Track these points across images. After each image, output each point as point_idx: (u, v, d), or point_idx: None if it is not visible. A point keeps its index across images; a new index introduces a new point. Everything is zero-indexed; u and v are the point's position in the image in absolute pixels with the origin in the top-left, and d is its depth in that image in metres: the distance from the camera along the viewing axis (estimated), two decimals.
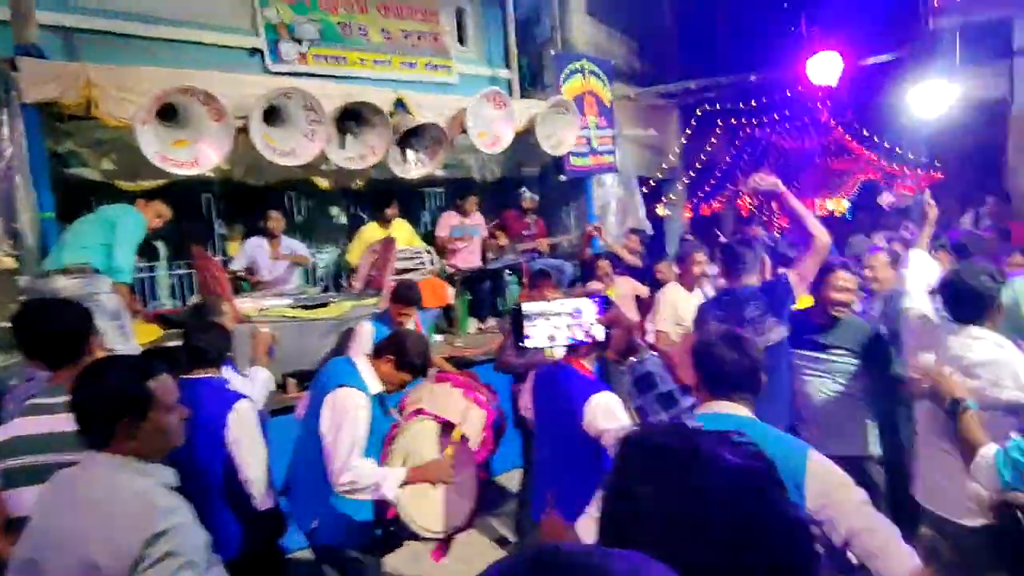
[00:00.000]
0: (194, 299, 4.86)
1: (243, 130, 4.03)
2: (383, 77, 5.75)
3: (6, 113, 3.46)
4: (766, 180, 2.93)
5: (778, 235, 7.10)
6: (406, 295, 3.79)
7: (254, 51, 5.10)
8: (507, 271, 6.07)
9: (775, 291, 2.87)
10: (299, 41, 5.39)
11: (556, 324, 1.73)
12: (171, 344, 3.39)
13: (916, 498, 2.44)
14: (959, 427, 2.05)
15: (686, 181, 9.33)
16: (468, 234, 5.87)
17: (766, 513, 0.74)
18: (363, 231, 5.41)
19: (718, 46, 10.49)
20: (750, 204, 10.12)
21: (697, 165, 9.20)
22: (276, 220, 5.02)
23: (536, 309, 1.73)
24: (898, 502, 2.56)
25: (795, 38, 8.60)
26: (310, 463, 2.50)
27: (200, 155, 3.87)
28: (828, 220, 10.09)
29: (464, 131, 5.10)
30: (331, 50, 5.60)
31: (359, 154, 4.68)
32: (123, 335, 3.11)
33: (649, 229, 7.16)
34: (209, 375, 2.56)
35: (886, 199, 8.92)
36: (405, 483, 2.41)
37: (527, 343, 1.66)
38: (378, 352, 2.55)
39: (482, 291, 5.89)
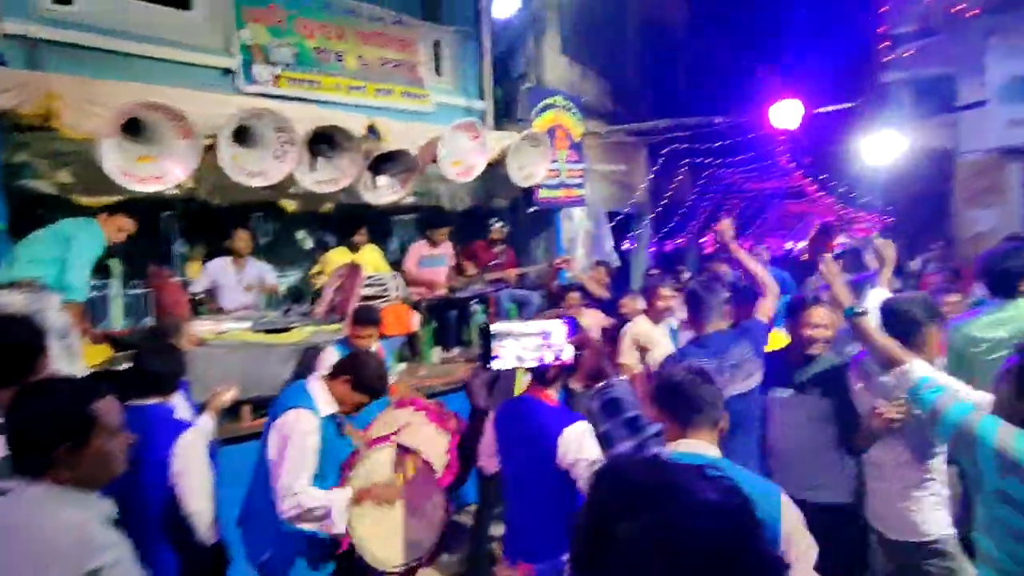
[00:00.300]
0: (149, 321, 4.69)
1: (211, 149, 3.96)
2: (357, 103, 5.76)
3: None
4: (723, 229, 3.21)
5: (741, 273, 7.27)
6: (364, 316, 3.74)
7: (227, 71, 5.06)
8: (474, 300, 6.05)
9: (752, 333, 2.86)
10: (274, 64, 5.37)
11: (525, 345, 1.69)
12: (120, 367, 3.25)
13: (869, 520, 2.54)
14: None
15: (652, 217, 9.53)
16: (435, 265, 5.84)
17: (745, 550, 0.73)
18: (330, 256, 5.33)
19: (686, 89, 10.89)
20: (715, 241, 10.37)
21: (663, 202, 9.42)
22: (243, 240, 4.89)
23: (505, 329, 1.69)
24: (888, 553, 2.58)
25: (757, 85, 8.98)
26: (262, 492, 2.41)
27: (165, 172, 3.78)
28: (784, 259, 10.41)
29: (436, 159, 5.12)
30: (306, 74, 5.59)
31: (329, 178, 4.64)
32: (69, 355, 2.96)
33: (616, 262, 7.25)
34: (157, 402, 2.44)
35: (839, 242, 9.26)
36: (354, 503, 2.34)
37: (495, 364, 1.62)
38: (334, 372, 2.49)
39: (448, 320, 5.84)
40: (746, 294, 3.50)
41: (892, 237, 3.91)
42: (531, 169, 5.88)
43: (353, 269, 4.61)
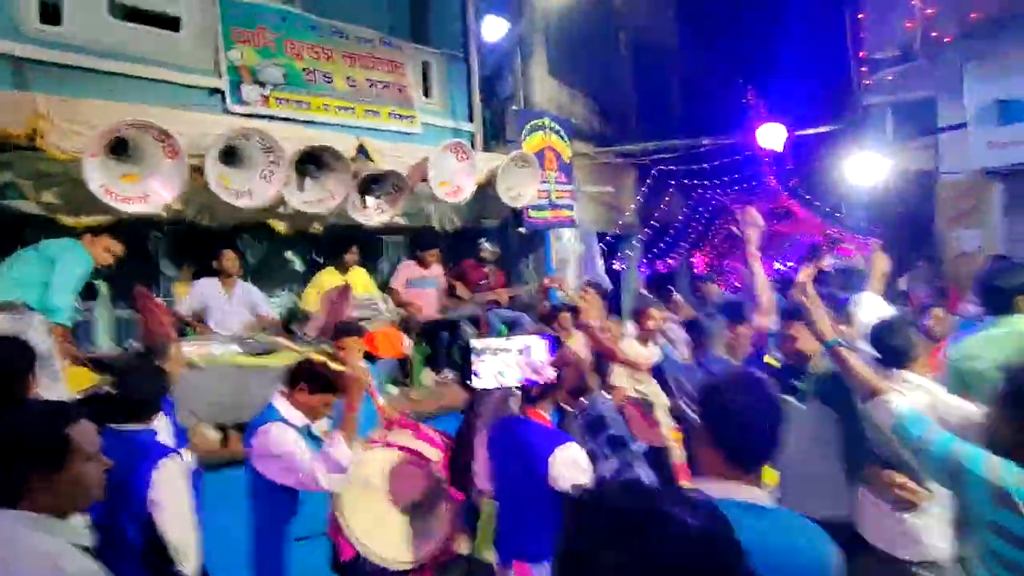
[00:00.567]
0: (135, 343, 4.60)
1: (198, 169, 3.92)
2: (346, 124, 5.77)
3: None
4: (754, 218, 3.05)
5: (728, 292, 7.30)
6: (344, 328, 3.73)
7: (215, 91, 5.05)
8: (465, 321, 6.00)
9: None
10: (262, 84, 5.37)
11: (506, 362, 1.65)
12: (103, 391, 3.16)
13: (864, 534, 2.51)
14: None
15: (642, 238, 9.58)
16: (425, 287, 5.80)
17: None
18: (319, 277, 5.28)
19: (674, 111, 11.04)
20: (705, 261, 10.45)
21: (653, 223, 9.47)
22: (231, 260, 4.81)
23: (484, 345, 1.66)
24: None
25: (744, 107, 9.13)
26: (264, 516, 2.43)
27: (151, 192, 3.74)
28: (773, 280, 10.48)
29: (425, 180, 5.12)
30: (294, 95, 5.59)
31: (318, 198, 4.62)
32: (51, 379, 2.88)
33: (607, 283, 7.25)
34: (139, 426, 2.37)
35: (827, 262, 9.34)
36: (348, 441, 2.32)
37: (475, 382, 1.59)
38: (290, 386, 2.48)
39: (440, 342, 5.78)
40: (736, 312, 3.50)
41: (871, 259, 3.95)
42: (520, 190, 5.89)
43: (342, 291, 4.57)
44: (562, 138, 7.16)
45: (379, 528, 2.40)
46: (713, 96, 10.78)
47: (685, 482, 1.56)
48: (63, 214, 3.89)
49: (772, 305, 2.99)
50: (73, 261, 3.35)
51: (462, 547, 3.73)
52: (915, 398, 2.32)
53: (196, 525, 2.29)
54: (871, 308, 2.97)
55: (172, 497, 2.20)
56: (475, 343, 1.65)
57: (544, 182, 6.60)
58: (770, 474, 2.92)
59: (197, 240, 4.96)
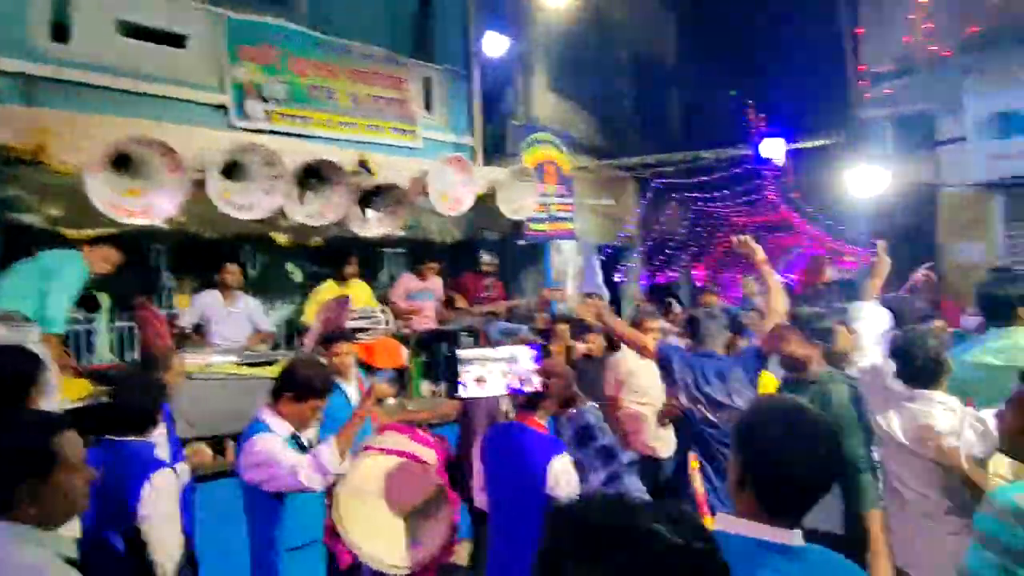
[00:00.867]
0: (135, 355, 4.65)
1: (200, 183, 4.00)
2: (348, 138, 5.86)
3: None
4: (748, 244, 3.13)
5: (729, 304, 7.30)
6: (332, 333, 3.74)
7: (220, 107, 5.15)
8: (464, 333, 6.03)
9: (745, 360, 2.93)
10: (266, 100, 5.47)
11: (491, 371, 1.63)
12: (100, 402, 3.21)
13: (896, 564, 2.44)
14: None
15: (642, 250, 9.61)
16: (423, 299, 5.84)
17: None
18: (319, 289, 5.33)
19: (674, 124, 11.11)
20: (706, 273, 10.45)
21: (653, 235, 9.51)
22: (233, 273, 4.86)
23: (471, 355, 1.65)
24: None
25: (744, 120, 9.18)
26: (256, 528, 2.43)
27: (153, 206, 3.81)
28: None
29: (426, 193, 5.18)
30: (298, 110, 5.69)
31: (319, 211, 4.68)
32: (46, 389, 2.93)
33: (606, 295, 7.27)
34: (134, 438, 2.37)
35: (828, 274, 9.32)
36: (341, 451, 2.33)
37: (461, 392, 1.56)
38: (275, 395, 2.47)
39: (437, 353, 5.81)
40: (736, 323, 3.52)
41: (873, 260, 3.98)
42: (520, 203, 5.95)
43: (341, 302, 4.61)
44: (562, 151, 7.23)
45: (377, 533, 2.41)
46: (713, 109, 10.85)
47: (708, 520, 1.41)
48: (67, 227, 3.96)
49: (785, 311, 2.99)
50: (70, 271, 3.41)
51: (463, 556, 3.75)
52: (946, 418, 2.32)
53: (183, 541, 2.29)
54: (872, 319, 2.97)
55: (160, 513, 2.19)
56: (461, 353, 1.65)
57: (544, 195, 6.65)
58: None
59: (199, 252, 5.04)
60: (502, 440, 2.37)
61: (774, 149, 7.13)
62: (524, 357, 1.62)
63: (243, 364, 3.93)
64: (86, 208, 3.66)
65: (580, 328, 4.90)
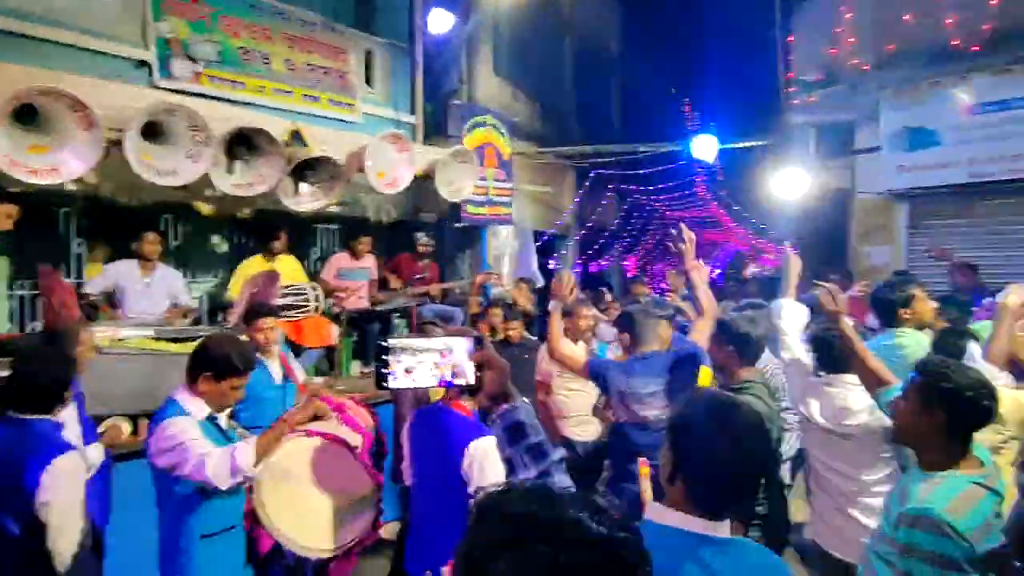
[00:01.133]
0: (36, 325, 4.32)
1: (118, 143, 3.73)
2: (283, 107, 5.62)
3: None
4: (687, 236, 3.13)
5: (664, 296, 7.55)
6: (255, 308, 3.57)
7: (141, 63, 4.81)
8: (396, 314, 5.97)
9: (685, 357, 2.90)
10: (194, 60, 5.16)
11: (423, 361, 1.57)
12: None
13: (816, 540, 2.59)
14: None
15: (578, 238, 9.76)
16: (356, 278, 5.72)
17: None
18: (245, 264, 5.12)
19: (614, 117, 11.30)
20: (636, 265, 10.75)
21: (589, 224, 9.68)
22: (152, 243, 4.58)
23: (403, 344, 1.58)
24: None
25: (681, 118, 9.45)
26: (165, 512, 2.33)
27: (61, 165, 3.52)
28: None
29: (362, 169, 5.05)
30: (229, 73, 5.40)
31: (247, 182, 4.47)
32: None
33: (540, 281, 7.36)
34: (37, 416, 2.20)
35: (750, 270, 9.81)
36: (259, 455, 2.23)
37: (389, 383, 1.49)
38: (191, 375, 2.33)
39: (369, 333, 5.72)
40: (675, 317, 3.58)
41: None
42: (459, 185, 5.90)
43: (269, 277, 4.45)
44: (503, 135, 7.21)
45: (300, 517, 2.35)
46: (651, 105, 11.11)
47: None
48: None
49: (714, 310, 3.07)
50: None
51: (391, 533, 3.73)
52: (860, 398, 2.51)
53: (86, 527, 2.17)
54: (792, 315, 3.14)
55: (61, 500, 2.06)
56: (392, 341, 1.57)
57: (483, 178, 6.63)
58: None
59: (114, 219, 4.72)
60: (426, 421, 2.38)
61: (706, 148, 7.38)
62: (459, 349, 1.56)
63: (160, 339, 3.73)
64: None
65: (504, 315, 4.94)
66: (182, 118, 3.98)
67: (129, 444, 3.23)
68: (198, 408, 2.30)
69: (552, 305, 3.04)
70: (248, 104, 5.34)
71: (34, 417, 2.19)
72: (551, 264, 9.14)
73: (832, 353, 2.63)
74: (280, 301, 4.62)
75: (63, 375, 2.31)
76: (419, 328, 4.36)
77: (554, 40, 9.72)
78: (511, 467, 1.88)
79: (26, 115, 3.48)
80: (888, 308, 3.15)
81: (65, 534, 2.07)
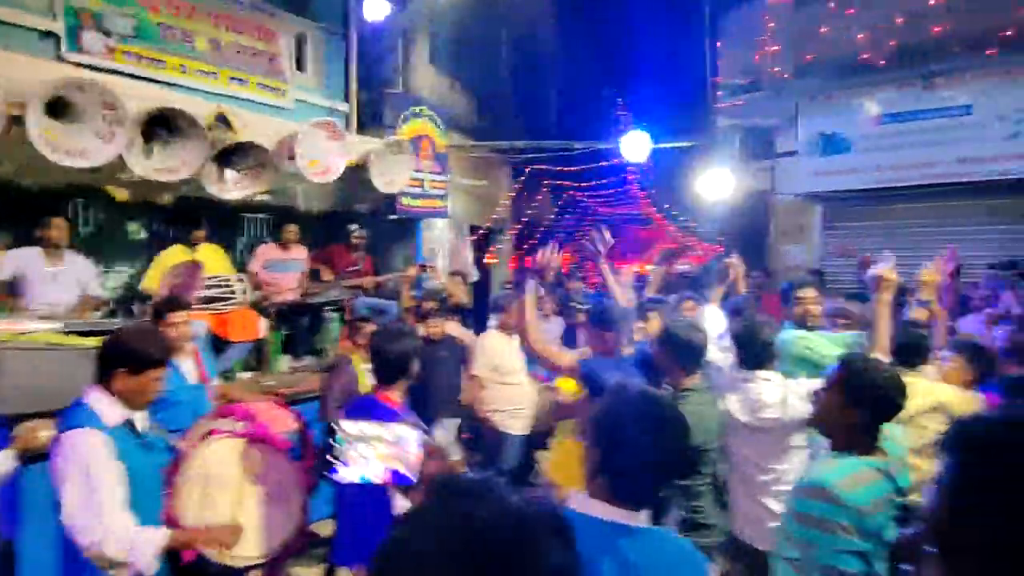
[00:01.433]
0: None
1: (18, 120, 3.44)
2: (207, 89, 5.35)
3: None
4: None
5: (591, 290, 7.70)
6: (166, 301, 3.30)
7: (47, 34, 4.46)
8: (328, 307, 5.81)
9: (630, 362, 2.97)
10: (107, 33, 4.83)
11: (376, 449, 1.47)
12: None
13: (736, 535, 2.67)
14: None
15: (513, 233, 9.81)
16: (286, 270, 5.53)
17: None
18: (164, 254, 4.84)
19: (549, 112, 11.40)
20: (571, 260, 10.90)
21: (523, 219, 9.74)
22: (58, 229, 4.26)
23: (354, 431, 1.48)
24: None
25: (615, 117, 9.65)
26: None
27: None
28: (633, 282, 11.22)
29: (292, 157, 4.87)
30: (147, 50, 5.09)
31: (167, 166, 4.23)
32: None
33: (475, 275, 7.35)
34: None
35: (679, 267, 10.17)
36: (172, 547, 2.03)
37: (341, 471, 1.39)
38: (104, 371, 2.10)
39: (299, 326, 5.55)
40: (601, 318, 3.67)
41: (724, 266, 4.41)
42: (393, 176, 5.80)
43: (192, 267, 4.24)
44: (438, 127, 7.14)
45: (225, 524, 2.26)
46: (586, 102, 11.29)
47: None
48: None
49: (627, 299, 3.23)
50: None
51: (327, 530, 3.65)
52: (772, 391, 2.64)
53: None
54: (712, 321, 3.33)
55: None
56: (346, 425, 1.48)
57: (418, 170, 6.55)
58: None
59: (17, 202, 4.35)
60: (354, 413, 2.35)
61: (638, 146, 7.58)
62: (410, 440, 1.50)
63: (68, 333, 3.47)
64: None
65: (425, 312, 4.93)
66: (93, 95, 3.71)
67: (46, 447, 3.00)
68: (112, 412, 2.08)
69: (529, 285, 2.82)
70: (169, 84, 5.06)
71: None
72: (486, 259, 9.15)
73: (751, 350, 2.77)
74: (204, 293, 4.41)
75: None
76: (352, 324, 4.26)
77: (491, 33, 9.69)
78: None
79: None
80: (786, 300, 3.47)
81: None
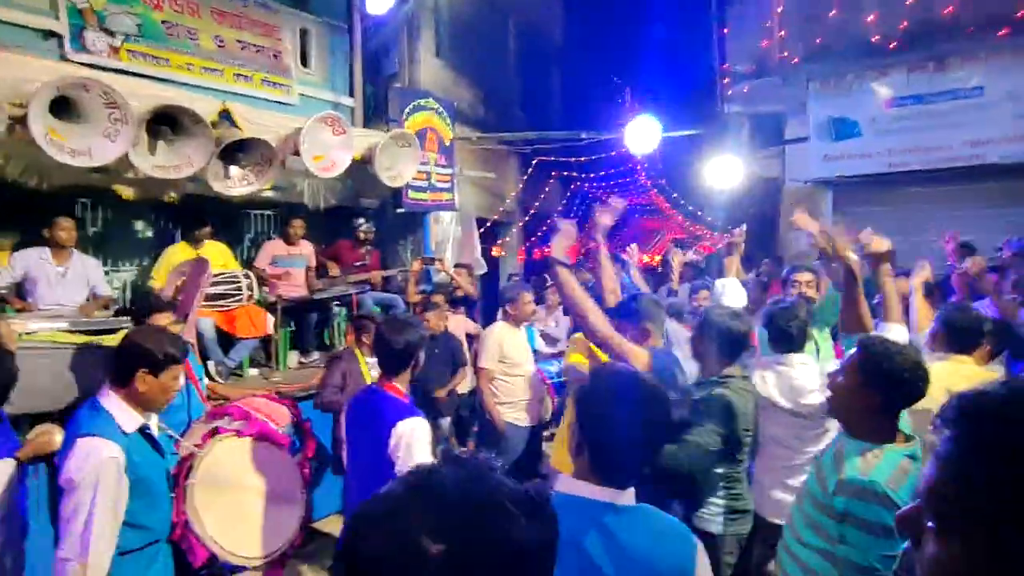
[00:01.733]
0: None
1: (23, 121, 3.45)
2: (212, 86, 5.34)
3: None
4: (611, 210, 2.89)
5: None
6: (147, 303, 3.24)
7: (50, 34, 4.46)
8: (335, 302, 5.82)
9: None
10: (112, 33, 4.83)
11: None
12: None
13: (758, 512, 2.62)
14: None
15: (521, 225, 9.78)
16: (292, 266, 5.53)
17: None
18: (169, 251, 4.86)
19: (557, 103, 11.32)
20: (580, 251, 10.85)
21: (531, 211, 9.70)
22: (66, 229, 4.26)
23: None
24: None
25: (621, 106, 9.58)
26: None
27: None
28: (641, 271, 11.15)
29: (298, 152, 4.87)
30: (152, 49, 5.09)
31: (172, 164, 4.23)
32: None
33: (484, 268, 7.33)
34: None
35: (689, 256, 10.09)
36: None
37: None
38: (122, 374, 2.07)
39: (307, 322, 5.56)
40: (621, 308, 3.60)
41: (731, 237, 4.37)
42: (399, 170, 5.78)
43: (199, 265, 4.23)
44: (444, 120, 7.11)
45: (233, 525, 2.26)
46: (593, 93, 11.21)
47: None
48: None
49: (615, 293, 3.13)
50: None
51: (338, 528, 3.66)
52: (807, 372, 2.62)
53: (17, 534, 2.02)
54: (734, 293, 3.28)
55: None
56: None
57: (424, 163, 6.52)
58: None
59: (24, 203, 4.37)
60: (360, 404, 2.38)
61: (646, 135, 7.50)
62: None
63: (76, 331, 3.49)
64: None
65: (426, 305, 4.92)
66: (97, 94, 3.71)
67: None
68: (129, 419, 2.05)
69: (599, 233, 2.68)
70: (174, 82, 5.06)
71: None
72: (494, 251, 9.12)
73: (789, 332, 2.70)
74: (211, 290, 4.42)
75: (7, 372, 2.12)
76: (357, 322, 4.25)
77: (497, 24, 9.62)
78: None
79: None
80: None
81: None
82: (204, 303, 4.18)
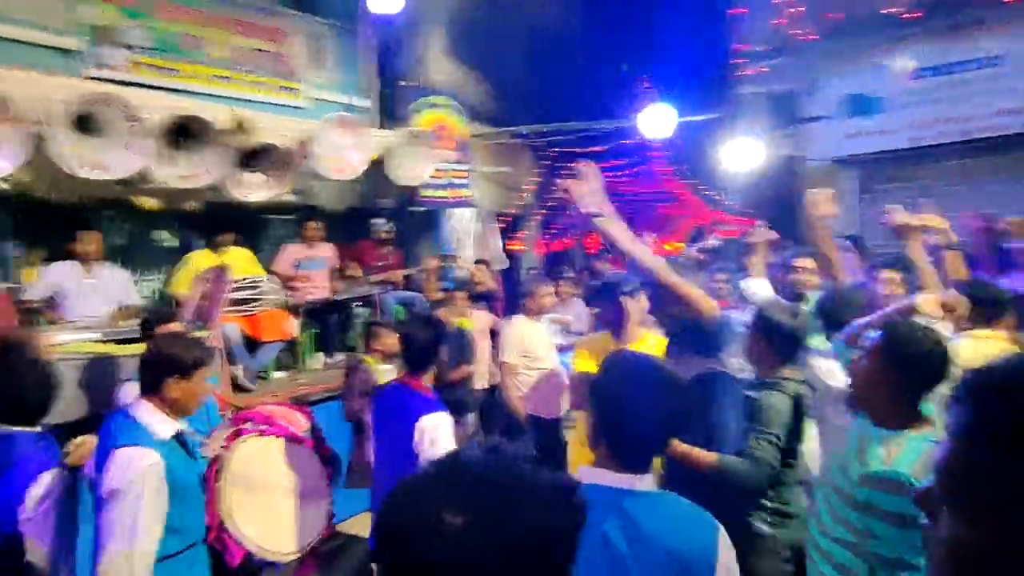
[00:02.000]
0: None
1: (46, 139, 3.53)
2: (225, 94, 5.41)
3: None
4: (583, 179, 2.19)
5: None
6: (154, 315, 3.26)
7: (65, 52, 4.55)
8: (358, 303, 5.86)
9: None
10: (128, 47, 4.92)
11: None
12: None
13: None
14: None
15: (539, 218, 9.75)
16: (312, 268, 5.58)
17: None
18: (191, 258, 4.93)
19: (570, 93, 11.24)
20: (598, 241, 10.81)
21: (549, 203, 9.66)
22: (91, 242, 4.35)
23: None
24: None
25: (636, 93, 9.48)
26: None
27: None
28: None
29: (310, 156, 4.90)
30: (166, 61, 5.17)
31: (191, 173, 4.29)
32: None
33: (505, 262, 7.33)
34: (21, 429, 2.08)
35: (711, 242, 9.95)
36: None
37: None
38: (153, 381, 2.09)
39: (330, 324, 5.61)
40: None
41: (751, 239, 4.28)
42: (415, 168, 5.79)
43: (220, 272, 4.30)
44: (458, 117, 7.11)
45: (265, 522, 2.30)
46: (607, 81, 11.09)
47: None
48: None
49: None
50: None
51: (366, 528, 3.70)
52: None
53: (44, 553, 2.05)
54: (761, 290, 3.24)
55: (41, 514, 1.97)
56: None
57: (439, 160, 6.53)
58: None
59: (50, 218, 4.48)
60: (385, 400, 2.43)
61: (660, 121, 7.41)
62: None
63: (107, 341, 3.57)
64: None
65: (441, 302, 4.91)
66: (114, 108, 3.78)
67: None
68: (164, 426, 2.08)
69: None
70: (189, 92, 5.13)
71: (18, 429, 2.08)
72: (513, 245, 9.11)
73: (843, 317, 2.55)
74: (234, 295, 4.48)
75: (47, 384, 2.18)
76: (369, 329, 4.26)
77: (506, 18, 9.58)
78: None
79: None
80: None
81: (42, 548, 1.99)
82: (228, 308, 4.25)
